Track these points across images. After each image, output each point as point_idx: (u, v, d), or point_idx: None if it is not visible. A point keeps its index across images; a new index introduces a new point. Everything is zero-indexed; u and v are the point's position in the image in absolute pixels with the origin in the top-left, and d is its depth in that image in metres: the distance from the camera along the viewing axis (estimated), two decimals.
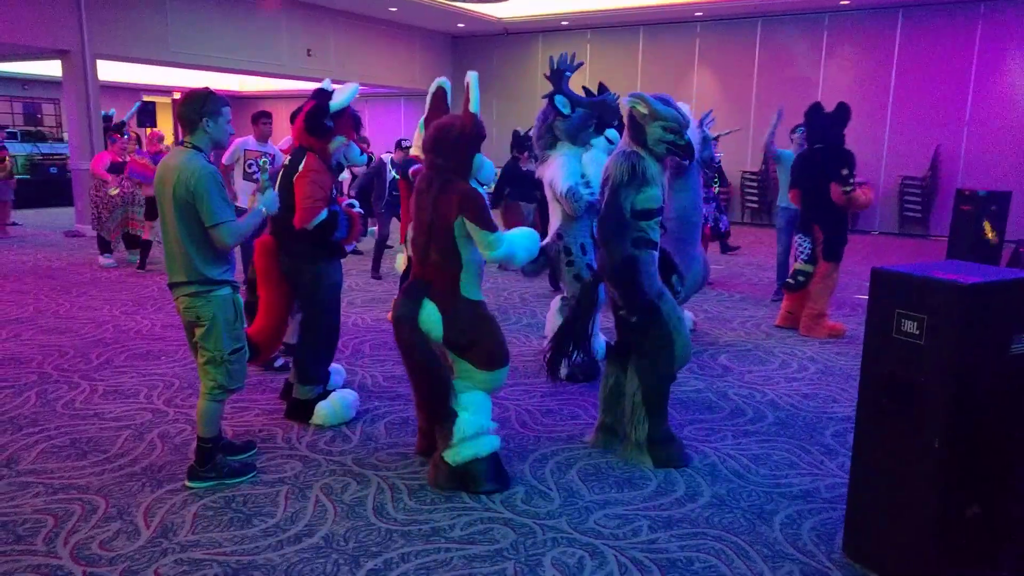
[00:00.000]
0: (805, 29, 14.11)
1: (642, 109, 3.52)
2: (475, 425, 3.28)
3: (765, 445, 3.88)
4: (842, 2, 13.13)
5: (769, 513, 3.15)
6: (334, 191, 4.01)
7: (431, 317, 3.23)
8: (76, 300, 7.02)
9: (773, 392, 4.72)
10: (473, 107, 3.28)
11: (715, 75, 15.09)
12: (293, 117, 4.04)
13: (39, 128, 17.54)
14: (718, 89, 14.96)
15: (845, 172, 5.85)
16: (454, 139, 3.26)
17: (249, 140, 6.68)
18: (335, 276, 4.07)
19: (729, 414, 4.33)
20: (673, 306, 3.61)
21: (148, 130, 13.87)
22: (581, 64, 5.50)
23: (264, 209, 3.39)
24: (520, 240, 3.31)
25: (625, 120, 3.71)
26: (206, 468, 3.34)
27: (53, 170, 16.23)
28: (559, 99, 5.04)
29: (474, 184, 3.31)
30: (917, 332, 2.50)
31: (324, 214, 3.82)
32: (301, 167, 3.86)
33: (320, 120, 3.94)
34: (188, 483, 3.32)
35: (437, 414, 3.29)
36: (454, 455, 3.27)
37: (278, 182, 3.98)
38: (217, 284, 3.25)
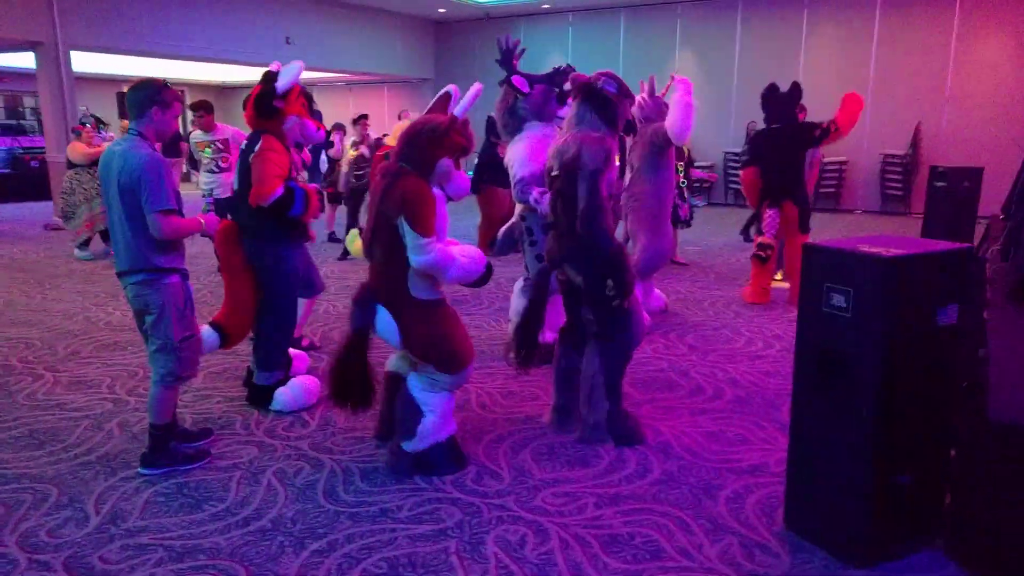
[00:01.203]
0: (786, 8, 14.07)
1: (611, 89, 3.55)
2: (438, 426, 3.29)
3: (721, 422, 3.92)
4: None
5: (716, 488, 3.19)
6: (292, 170, 4.01)
7: (385, 324, 3.15)
8: (49, 292, 7.02)
9: (735, 370, 4.75)
10: (458, 111, 3.18)
11: (696, 57, 15.06)
12: (245, 104, 4.04)
13: (20, 122, 17.42)
14: (700, 70, 14.91)
15: (819, 133, 6.17)
16: (426, 135, 3.12)
17: (196, 133, 6.70)
18: (295, 261, 4.09)
19: (688, 392, 4.36)
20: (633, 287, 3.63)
21: (124, 122, 13.87)
22: (524, 50, 5.46)
23: (203, 224, 3.42)
24: (459, 258, 3.13)
25: (584, 98, 3.61)
26: (159, 455, 3.36)
27: (35, 164, 16.15)
28: (516, 79, 5.02)
29: (436, 191, 3.17)
30: (845, 305, 2.52)
31: (280, 191, 3.82)
32: (257, 147, 3.87)
33: (268, 102, 3.94)
34: (141, 470, 3.35)
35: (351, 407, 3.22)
36: (414, 445, 3.29)
37: (237, 165, 4.03)
38: (165, 272, 3.26)
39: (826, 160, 13.86)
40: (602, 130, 3.57)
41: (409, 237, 3.03)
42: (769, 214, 6.44)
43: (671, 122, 5.31)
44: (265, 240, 3.93)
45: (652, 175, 5.57)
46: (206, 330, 3.91)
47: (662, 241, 5.65)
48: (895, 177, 13.40)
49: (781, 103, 6.31)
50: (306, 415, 4.02)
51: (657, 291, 6.27)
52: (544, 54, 15.62)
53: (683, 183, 8.18)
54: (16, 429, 3.85)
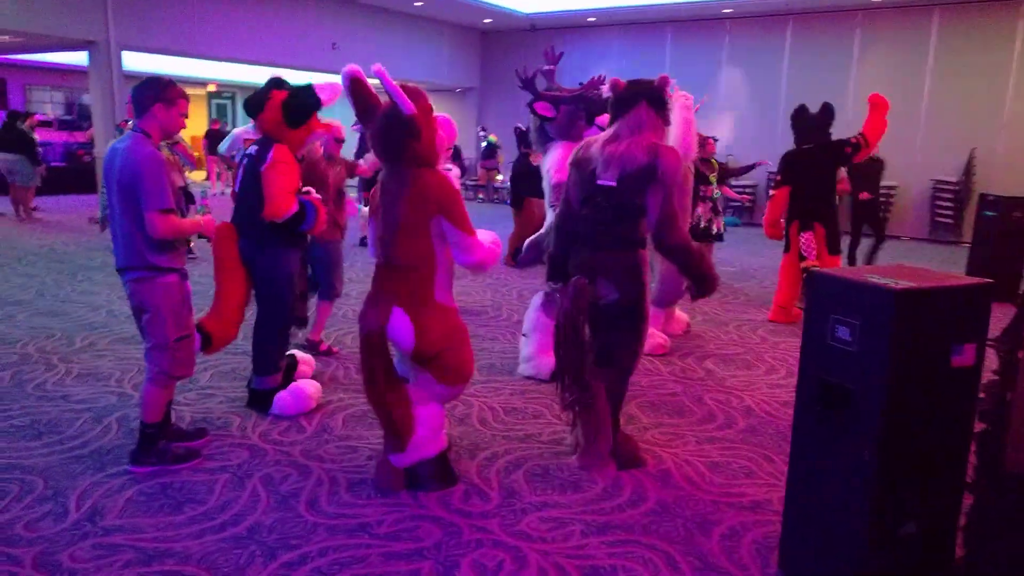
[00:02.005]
0: (837, 27, 13.73)
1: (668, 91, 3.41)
2: (428, 440, 3.19)
3: (728, 452, 3.74)
4: None
5: (712, 523, 3.03)
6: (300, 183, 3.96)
7: (401, 327, 3.00)
8: (79, 284, 7.15)
9: (751, 398, 4.56)
10: (405, 108, 2.95)
11: (744, 74, 14.79)
12: (252, 108, 3.93)
13: (75, 118, 17.98)
14: (747, 88, 14.66)
15: (850, 149, 6.10)
16: (397, 136, 2.97)
17: (249, 129, 6.68)
18: (292, 265, 4.01)
19: (699, 419, 4.19)
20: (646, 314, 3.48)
21: None
22: (562, 54, 5.44)
23: (201, 225, 3.39)
24: (494, 247, 3.16)
25: (650, 102, 3.32)
26: (148, 453, 3.34)
27: (88, 159, 16.62)
28: (540, 105, 4.96)
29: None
30: (850, 339, 2.36)
31: (295, 208, 3.77)
32: (269, 158, 3.81)
33: (306, 114, 3.88)
34: (129, 467, 3.32)
35: (397, 441, 3.12)
36: (401, 459, 3.19)
37: (242, 172, 3.96)
38: (163, 271, 3.24)
39: None
40: (665, 136, 3.37)
41: (456, 238, 3.00)
42: (805, 237, 6.31)
43: (673, 141, 5.13)
44: (263, 243, 3.87)
45: None
46: None
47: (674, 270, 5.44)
48: (946, 204, 12.92)
49: (812, 124, 6.22)
50: (304, 420, 3.96)
51: (679, 312, 6.10)
52: (589, 68, 15.51)
53: (716, 195, 7.96)
54: (19, 418, 3.88)
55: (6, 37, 11.75)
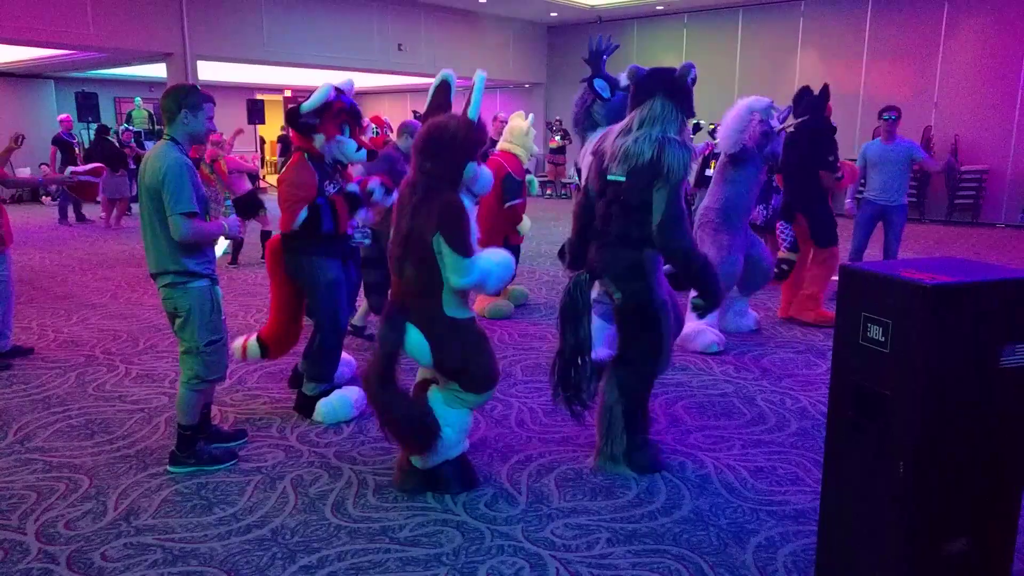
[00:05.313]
0: (921, 4, 12.94)
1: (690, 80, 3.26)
2: (454, 441, 3.15)
3: (775, 457, 3.55)
4: None
5: (748, 533, 2.87)
6: (328, 186, 3.94)
7: (416, 344, 3.01)
8: (151, 287, 7.44)
9: (808, 399, 4.32)
10: (472, 111, 2.98)
11: (820, 58, 14.14)
12: None
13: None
14: (823, 73, 13.93)
15: (832, 159, 5.79)
16: (446, 143, 2.96)
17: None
18: (332, 272, 3.98)
19: (748, 421, 3.99)
20: (670, 311, 3.33)
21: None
22: (618, 47, 5.38)
23: (226, 227, 3.48)
24: (495, 268, 2.99)
25: (668, 92, 3.18)
26: (186, 454, 3.42)
27: None
28: (599, 82, 4.97)
29: (465, 196, 3.04)
30: (883, 338, 2.17)
31: (304, 213, 3.79)
32: (283, 169, 3.92)
33: (296, 119, 3.89)
34: (169, 468, 3.41)
35: (419, 451, 3.11)
36: (423, 461, 3.16)
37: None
38: (194, 276, 3.30)
39: (964, 169, 12.67)
40: (683, 132, 3.21)
41: (450, 259, 2.89)
42: (779, 227, 6.24)
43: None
44: (301, 253, 3.91)
45: (718, 187, 5.23)
46: (251, 344, 4.10)
47: (727, 258, 5.15)
48: None
49: (809, 105, 5.87)
50: (343, 422, 3.99)
51: (752, 312, 5.87)
52: (658, 58, 15.19)
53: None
54: (77, 418, 4.05)
55: (89, 53, 12.41)
